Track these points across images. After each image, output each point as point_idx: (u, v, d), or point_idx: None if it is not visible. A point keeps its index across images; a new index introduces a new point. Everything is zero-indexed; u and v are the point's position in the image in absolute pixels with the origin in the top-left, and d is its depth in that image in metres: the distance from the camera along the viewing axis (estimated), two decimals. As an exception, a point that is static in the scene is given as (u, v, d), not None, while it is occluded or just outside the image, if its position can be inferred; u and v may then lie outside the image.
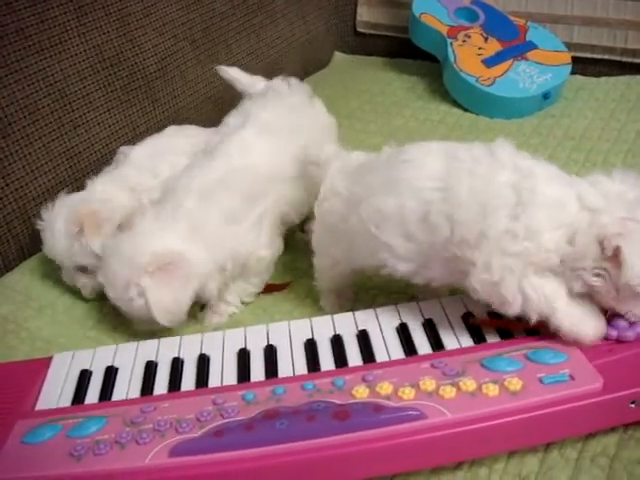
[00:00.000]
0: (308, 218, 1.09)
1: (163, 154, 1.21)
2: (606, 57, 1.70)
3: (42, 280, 1.17)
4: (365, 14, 1.96)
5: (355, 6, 1.97)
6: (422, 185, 0.84)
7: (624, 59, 1.68)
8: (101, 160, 1.32)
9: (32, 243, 1.22)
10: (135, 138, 1.36)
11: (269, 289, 1.08)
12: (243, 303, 1.08)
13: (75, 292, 1.13)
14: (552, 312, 0.79)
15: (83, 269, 1.11)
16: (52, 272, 1.17)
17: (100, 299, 1.10)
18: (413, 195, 0.85)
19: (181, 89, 1.48)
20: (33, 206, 1.21)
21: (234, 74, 1.33)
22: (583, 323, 0.79)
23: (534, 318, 0.80)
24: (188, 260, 0.95)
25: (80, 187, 1.19)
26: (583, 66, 1.69)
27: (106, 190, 1.14)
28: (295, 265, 1.14)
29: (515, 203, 0.79)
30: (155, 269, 0.95)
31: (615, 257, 0.75)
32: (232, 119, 1.17)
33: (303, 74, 1.80)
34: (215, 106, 1.56)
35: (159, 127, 1.39)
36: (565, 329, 0.79)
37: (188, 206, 0.99)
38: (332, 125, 1.22)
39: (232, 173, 1.04)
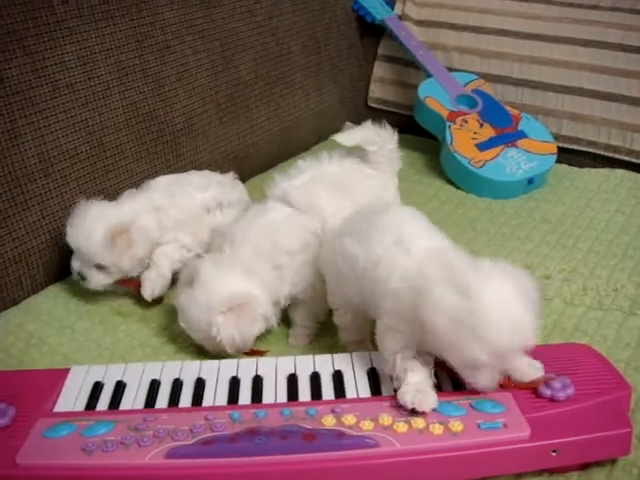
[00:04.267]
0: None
1: (180, 183, 1.37)
2: (590, 150, 1.84)
3: (65, 304, 1.31)
4: (377, 91, 2.14)
5: (368, 83, 2.14)
6: (377, 238, 1.02)
7: (606, 153, 1.82)
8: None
9: (59, 270, 1.37)
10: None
11: (251, 353, 1.19)
12: (319, 323, 1.23)
13: (92, 317, 1.28)
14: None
15: (100, 267, 1.27)
16: (74, 297, 1.32)
17: (113, 325, 1.26)
18: (368, 244, 1.02)
19: (203, 146, 1.64)
20: (63, 238, 1.33)
21: (357, 138, 1.28)
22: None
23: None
24: (256, 300, 1.13)
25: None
26: (569, 156, 1.84)
27: (135, 210, 1.29)
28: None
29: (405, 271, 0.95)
30: (227, 310, 1.11)
31: None
32: (304, 163, 1.27)
33: (316, 140, 1.97)
34: (233, 163, 1.71)
35: (181, 178, 1.56)
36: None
37: (243, 255, 1.15)
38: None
39: (277, 227, 1.18)
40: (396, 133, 1.33)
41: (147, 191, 1.34)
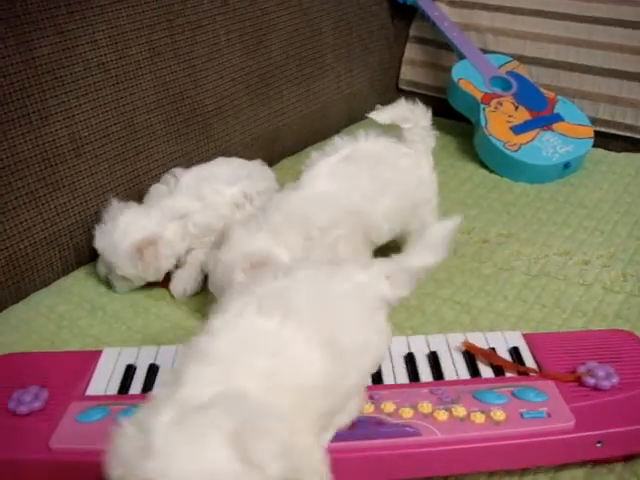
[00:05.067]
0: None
1: (208, 180, 1.33)
2: (627, 134, 1.80)
3: (95, 285, 1.30)
4: (408, 73, 2.10)
5: (399, 65, 2.11)
6: None
7: (645, 138, 1.79)
8: (157, 184, 1.46)
9: (89, 251, 1.35)
10: (188, 167, 1.50)
11: None
12: None
13: (123, 299, 1.27)
14: None
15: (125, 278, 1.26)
16: (105, 279, 1.31)
17: (145, 307, 1.25)
18: None
19: (233, 128, 1.61)
20: (94, 220, 1.34)
21: (392, 115, 1.25)
22: None
23: None
24: (276, 259, 1.10)
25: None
26: (606, 140, 1.79)
27: (162, 220, 1.27)
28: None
29: None
30: (249, 267, 1.09)
31: None
32: (340, 141, 1.25)
33: (346, 122, 1.94)
34: (262, 145, 1.70)
35: (210, 160, 1.54)
36: None
37: (274, 221, 1.14)
38: (429, 183, 1.29)
39: (310, 201, 1.17)
40: (430, 110, 1.29)
41: (173, 194, 1.31)
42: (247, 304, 0.75)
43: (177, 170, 1.36)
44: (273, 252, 1.12)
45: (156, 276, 1.26)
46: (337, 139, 1.26)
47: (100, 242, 1.26)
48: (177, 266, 1.31)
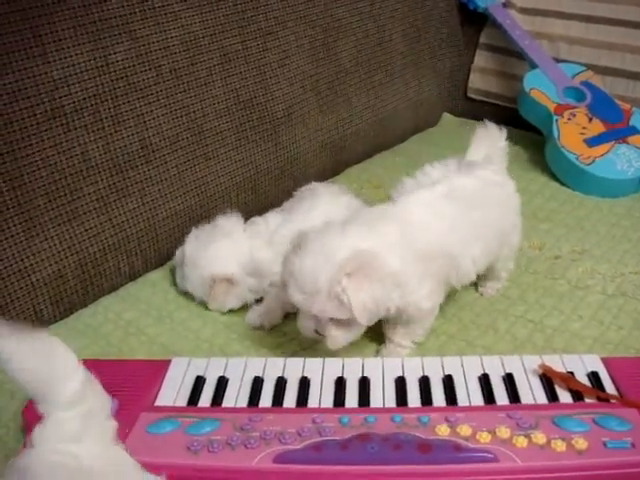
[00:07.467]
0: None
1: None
2: None
3: (163, 292, 1.30)
4: (477, 81, 2.07)
5: (468, 73, 2.08)
6: None
7: None
8: (224, 192, 1.45)
9: (157, 258, 1.36)
10: (256, 175, 1.50)
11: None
12: (415, 343, 1.14)
13: (191, 307, 1.26)
14: None
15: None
16: (172, 285, 1.31)
17: (212, 316, 1.24)
18: None
19: (302, 135, 1.60)
20: (162, 226, 1.35)
21: (484, 148, 1.21)
22: None
23: None
24: (382, 258, 0.99)
25: (205, 214, 1.33)
26: (682, 155, 1.74)
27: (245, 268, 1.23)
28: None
29: None
30: (353, 270, 0.97)
31: None
32: (432, 170, 1.18)
33: (413, 131, 1.92)
34: (331, 153, 1.68)
35: (278, 167, 1.55)
36: None
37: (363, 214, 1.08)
38: (516, 209, 1.22)
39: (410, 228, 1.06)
40: (504, 130, 1.25)
41: (264, 244, 1.25)
42: None
43: (271, 215, 1.30)
44: (375, 249, 0.99)
45: (218, 310, 1.25)
46: (428, 166, 1.18)
47: (190, 246, 1.24)
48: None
